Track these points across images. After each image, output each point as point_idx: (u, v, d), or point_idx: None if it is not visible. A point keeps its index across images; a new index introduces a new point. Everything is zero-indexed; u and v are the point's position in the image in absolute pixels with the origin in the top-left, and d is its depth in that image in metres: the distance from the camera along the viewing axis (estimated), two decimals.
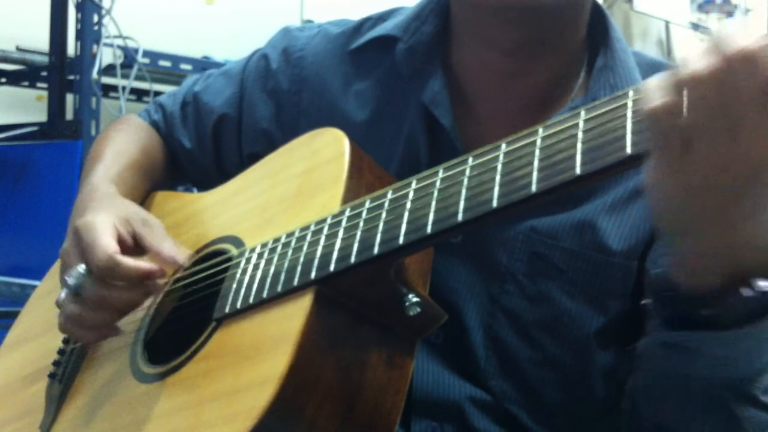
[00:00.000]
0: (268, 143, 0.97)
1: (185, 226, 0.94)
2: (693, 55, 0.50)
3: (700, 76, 0.50)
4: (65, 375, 0.91)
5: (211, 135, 1.05)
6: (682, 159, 0.52)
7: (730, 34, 0.49)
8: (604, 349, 0.84)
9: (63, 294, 0.83)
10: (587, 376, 0.84)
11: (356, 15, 1.02)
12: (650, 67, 0.88)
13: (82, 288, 0.79)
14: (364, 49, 0.95)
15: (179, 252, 0.82)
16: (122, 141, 1.05)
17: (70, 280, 0.80)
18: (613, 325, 0.84)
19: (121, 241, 0.81)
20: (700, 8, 4.79)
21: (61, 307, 0.83)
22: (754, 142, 0.50)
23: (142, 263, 0.79)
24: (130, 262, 0.78)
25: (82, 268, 0.80)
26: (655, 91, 0.51)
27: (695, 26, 4.68)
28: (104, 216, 0.83)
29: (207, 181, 1.02)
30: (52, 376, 0.92)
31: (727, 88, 0.49)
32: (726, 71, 0.49)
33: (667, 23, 4.65)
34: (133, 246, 0.84)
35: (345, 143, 0.77)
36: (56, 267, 1.05)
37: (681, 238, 0.59)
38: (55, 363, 0.93)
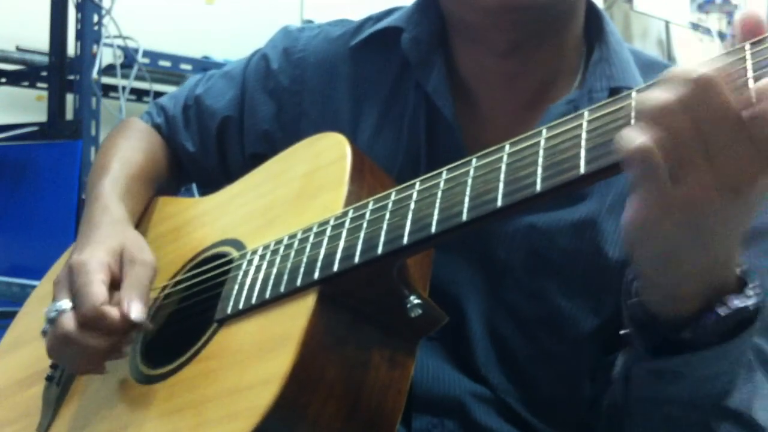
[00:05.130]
0: (270, 144, 0.97)
1: (185, 229, 0.94)
2: (654, 91, 0.51)
3: (667, 108, 0.50)
4: (63, 378, 0.90)
5: (215, 138, 1.05)
6: (666, 189, 0.52)
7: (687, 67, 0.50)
8: (600, 348, 0.84)
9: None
10: (582, 374, 0.84)
11: (356, 15, 1.02)
12: (647, 66, 0.89)
13: (56, 323, 0.78)
14: (365, 46, 0.95)
15: (135, 309, 0.78)
16: (128, 149, 1.05)
17: (48, 313, 0.80)
18: (609, 326, 0.83)
19: (113, 277, 0.81)
20: (700, 8, 4.79)
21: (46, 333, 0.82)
22: (728, 163, 0.50)
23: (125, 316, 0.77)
24: (114, 314, 0.77)
25: (63, 303, 0.79)
26: (628, 133, 0.52)
27: (695, 26, 4.68)
28: (100, 254, 0.82)
29: (212, 184, 1.02)
30: (49, 378, 0.91)
31: (693, 116, 0.50)
32: (690, 99, 0.49)
33: (667, 23, 4.65)
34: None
35: (347, 146, 0.78)
36: (53, 270, 1.05)
37: (663, 267, 0.59)
38: (53, 366, 0.92)
